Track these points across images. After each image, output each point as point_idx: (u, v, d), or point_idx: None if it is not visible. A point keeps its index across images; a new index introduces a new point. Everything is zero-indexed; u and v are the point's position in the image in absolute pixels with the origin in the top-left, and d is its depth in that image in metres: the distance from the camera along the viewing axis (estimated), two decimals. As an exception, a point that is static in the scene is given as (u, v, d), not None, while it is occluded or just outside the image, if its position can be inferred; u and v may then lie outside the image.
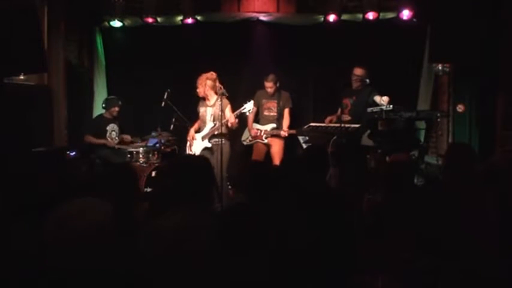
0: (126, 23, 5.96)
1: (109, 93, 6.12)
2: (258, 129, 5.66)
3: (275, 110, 5.60)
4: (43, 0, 5.19)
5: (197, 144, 5.14)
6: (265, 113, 5.64)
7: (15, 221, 1.90)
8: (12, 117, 4.47)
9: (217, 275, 1.62)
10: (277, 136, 5.55)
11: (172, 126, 5.21)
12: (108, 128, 5.54)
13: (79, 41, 6.05)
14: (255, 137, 5.65)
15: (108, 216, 1.42)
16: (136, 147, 5.38)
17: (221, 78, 5.07)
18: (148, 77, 6.09)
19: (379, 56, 5.56)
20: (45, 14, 5.22)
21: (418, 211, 2.40)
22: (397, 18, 5.59)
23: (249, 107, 4.95)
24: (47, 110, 5.36)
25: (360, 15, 5.65)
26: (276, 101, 5.59)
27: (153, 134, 5.37)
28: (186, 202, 1.93)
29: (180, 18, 5.86)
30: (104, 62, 6.21)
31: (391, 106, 4.60)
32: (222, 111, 4.83)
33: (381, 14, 5.58)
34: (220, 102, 4.82)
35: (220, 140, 4.92)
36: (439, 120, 5.24)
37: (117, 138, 5.62)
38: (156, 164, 5.15)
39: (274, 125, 5.59)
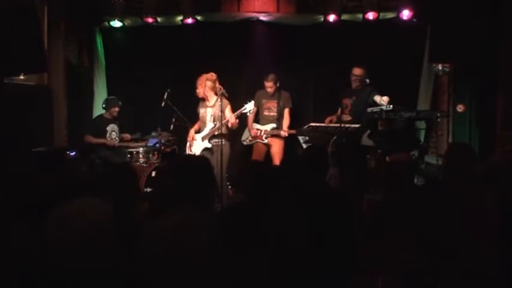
0: (126, 23, 5.96)
1: (109, 93, 6.12)
2: (258, 129, 5.66)
3: (275, 110, 5.60)
4: (43, 0, 5.19)
5: (197, 145, 5.14)
6: (265, 113, 5.64)
7: (15, 221, 1.90)
8: (12, 117, 4.47)
9: (218, 275, 1.62)
10: (277, 136, 5.54)
11: (172, 126, 5.21)
12: (108, 128, 5.54)
13: (79, 41, 6.05)
14: (255, 137, 5.65)
15: (108, 216, 1.42)
16: (136, 147, 5.38)
17: (221, 78, 5.07)
18: (149, 77, 6.08)
19: (379, 56, 5.56)
20: (45, 14, 5.22)
21: (418, 211, 2.40)
22: (397, 18, 5.59)
23: (249, 107, 4.95)
24: (47, 110, 5.36)
25: (360, 15, 5.65)
26: (276, 101, 5.59)
27: (153, 134, 5.38)
28: (186, 202, 1.92)
29: (180, 18, 5.86)
30: (103, 62, 6.21)
31: (391, 106, 4.60)
32: (222, 111, 4.83)
33: (381, 14, 5.59)
34: (220, 103, 4.82)
35: (220, 140, 4.92)
36: (439, 120, 5.24)
37: (117, 138, 5.62)
38: (156, 164, 5.16)
39: (274, 125, 5.59)
